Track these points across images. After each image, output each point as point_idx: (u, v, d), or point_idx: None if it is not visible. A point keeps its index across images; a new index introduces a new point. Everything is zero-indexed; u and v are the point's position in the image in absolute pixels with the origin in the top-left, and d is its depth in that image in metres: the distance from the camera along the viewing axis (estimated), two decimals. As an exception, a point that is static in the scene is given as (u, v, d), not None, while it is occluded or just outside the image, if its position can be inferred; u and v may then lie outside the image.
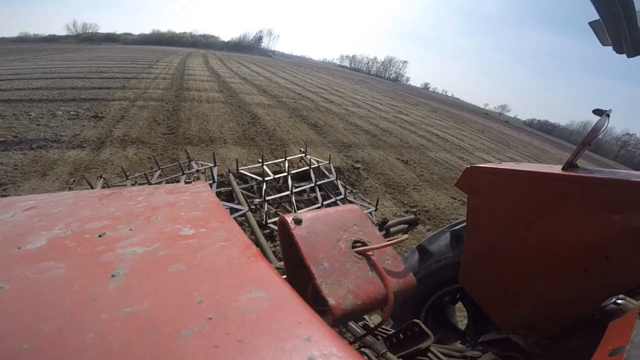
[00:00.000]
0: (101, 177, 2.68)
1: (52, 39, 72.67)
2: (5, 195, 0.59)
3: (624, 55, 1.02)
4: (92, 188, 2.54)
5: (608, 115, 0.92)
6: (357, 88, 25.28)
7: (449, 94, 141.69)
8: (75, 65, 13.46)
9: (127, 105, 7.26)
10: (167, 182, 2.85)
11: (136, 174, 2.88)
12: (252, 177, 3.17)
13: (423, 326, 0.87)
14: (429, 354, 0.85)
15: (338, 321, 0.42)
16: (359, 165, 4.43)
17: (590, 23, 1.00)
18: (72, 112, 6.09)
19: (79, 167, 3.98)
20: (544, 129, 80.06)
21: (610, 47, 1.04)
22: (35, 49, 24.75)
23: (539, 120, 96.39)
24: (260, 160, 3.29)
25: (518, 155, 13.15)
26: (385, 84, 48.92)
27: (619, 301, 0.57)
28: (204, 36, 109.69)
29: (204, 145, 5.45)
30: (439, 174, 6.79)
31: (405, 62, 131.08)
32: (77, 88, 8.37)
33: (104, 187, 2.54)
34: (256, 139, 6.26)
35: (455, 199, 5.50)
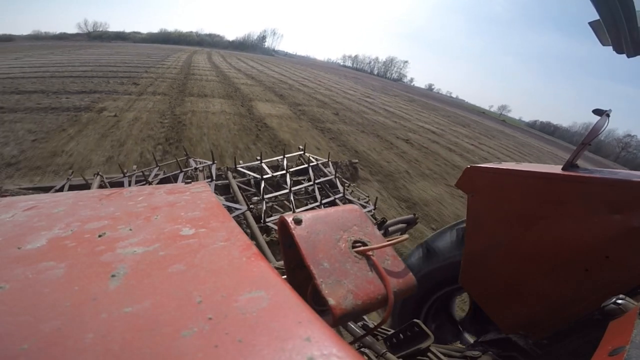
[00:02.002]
0: (98, 174, 2.67)
1: (63, 37, 73.47)
2: (5, 195, 0.59)
3: (625, 56, 1.02)
4: (86, 182, 2.54)
5: (608, 115, 0.92)
6: (342, 81, 27.45)
7: (454, 95, 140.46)
8: (102, 58, 17.28)
9: (152, 80, 11.12)
10: (166, 179, 2.85)
11: (134, 172, 2.87)
12: (250, 175, 3.17)
13: (423, 326, 0.87)
14: (429, 354, 0.85)
15: (338, 321, 0.42)
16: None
17: (590, 23, 1.00)
18: (118, 82, 9.91)
19: (130, 100, 7.55)
20: (546, 130, 79.97)
21: (611, 48, 1.04)
22: (58, 46, 28.48)
23: (541, 122, 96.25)
24: (258, 157, 3.29)
25: (468, 131, 15.62)
26: (379, 81, 50.72)
27: (619, 301, 0.57)
28: (210, 35, 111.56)
29: (200, 97, 8.99)
30: (359, 122, 9.75)
31: (406, 61, 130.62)
32: (113, 71, 12.12)
33: (101, 185, 2.53)
34: (233, 97, 9.86)
35: (358, 130, 8.58)
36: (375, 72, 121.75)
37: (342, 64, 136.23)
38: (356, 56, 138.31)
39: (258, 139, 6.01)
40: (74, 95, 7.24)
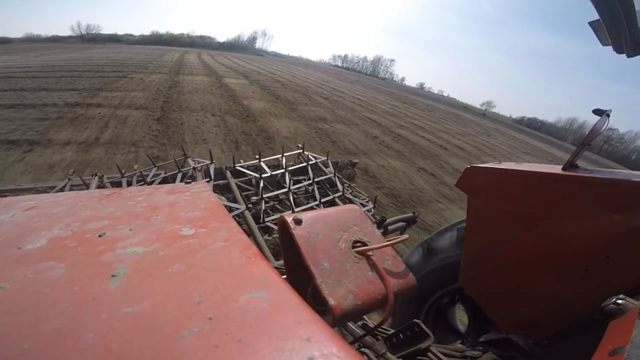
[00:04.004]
0: (96, 174, 2.67)
1: (56, 39, 73.66)
2: (5, 195, 0.59)
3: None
4: (84, 182, 2.54)
5: (608, 115, 0.92)
6: (315, 73, 31.27)
7: (445, 94, 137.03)
8: (111, 55, 21.24)
9: (156, 67, 15.78)
10: (164, 180, 2.84)
11: (132, 172, 2.87)
12: (249, 174, 3.17)
13: (423, 326, 0.87)
14: (429, 354, 0.85)
15: (338, 321, 0.42)
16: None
17: (590, 23, 1.00)
18: (134, 68, 14.09)
19: (146, 74, 12.18)
20: (533, 126, 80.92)
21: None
22: (60, 47, 31.13)
23: (528, 118, 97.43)
24: (257, 156, 3.29)
25: (403, 105, 19.31)
26: (358, 77, 54.42)
27: (619, 301, 0.57)
28: (201, 37, 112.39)
29: (189, 75, 13.63)
30: (297, 89, 14.50)
31: (393, 60, 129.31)
32: (127, 63, 16.45)
33: (99, 185, 2.53)
34: (211, 75, 14.80)
35: (291, 91, 13.52)
36: (364, 71, 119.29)
37: (333, 64, 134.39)
38: (345, 56, 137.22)
39: (219, 88, 11.25)
40: (111, 72, 11.84)
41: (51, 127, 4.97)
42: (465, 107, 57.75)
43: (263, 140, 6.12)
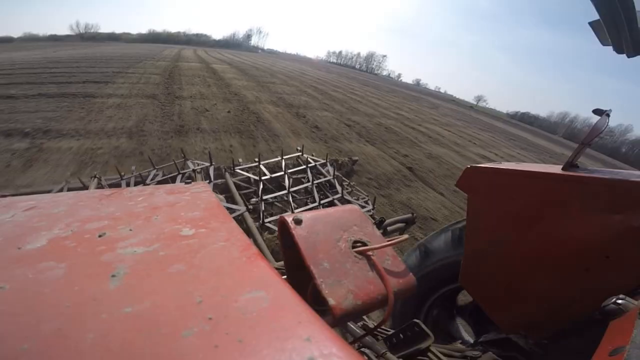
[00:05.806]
0: (95, 177, 2.67)
1: (56, 38, 74.18)
2: (5, 196, 0.59)
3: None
4: (84, 185, 2.54)
5: (608, 115, 0.92)
6: (299, 65, 35.62)
7: (442, 90, 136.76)
8: (118, 51, 24.43)
9: (160, 58, 19.37)
10: (163, 182, 2.85)
11: (132, 174, 2.87)
12: (248, 176, 3.17)
13: (423, 326, 0.87)
14: (429, 354, 0.85)
15: (338, 321, 0.42)
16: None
17: (590, 23, 1.00)
18: (144, 58, 18.36)
19: (155, 61, 17.15)
20: (526, 120, 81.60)
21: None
22: (66, 45, 34.31)
23: (522, 113, 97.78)
24: (256, 159, 3.29)
25: (361, 85, 22.90)
26: (346, 71, 59.02)
27: (619, 301, 0.57)
28: (197, 35, 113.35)
29: (185, 62, 18.45)
30: (269, 73, 18.21)
31: (385, 56, 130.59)
32: (135, 55, 19.73)
33: (98, 187, 2.54)
34: (202, 63, 19.39)
35: (261, 73, 17.94)
36: (357, 67, 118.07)
37: (329, 60, 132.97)
38: (340, 52, 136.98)
39: (206, 68, 15.38)
40: (129, 60, 15.76)
41: (111, 79, 9.43)
42: (454, 101, 57.64)
43: (225, 86, 10.79)
